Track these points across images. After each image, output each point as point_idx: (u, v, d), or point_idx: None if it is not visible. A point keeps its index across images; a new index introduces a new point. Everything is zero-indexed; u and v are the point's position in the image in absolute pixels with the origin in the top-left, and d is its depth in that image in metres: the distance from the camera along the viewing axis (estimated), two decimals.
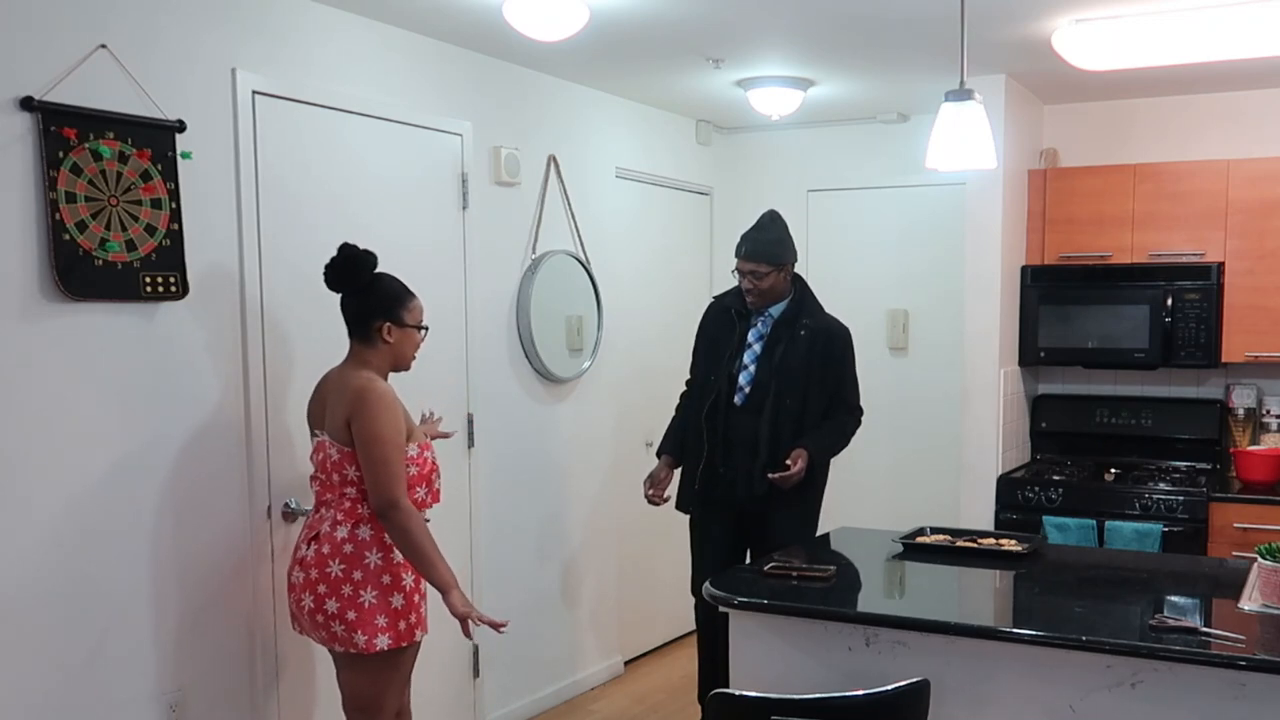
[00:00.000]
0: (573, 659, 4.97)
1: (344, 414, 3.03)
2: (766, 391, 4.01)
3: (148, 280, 3.08)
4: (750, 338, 4.10)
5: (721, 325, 4.18)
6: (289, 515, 3.55)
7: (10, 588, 2.84)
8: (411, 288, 3.21)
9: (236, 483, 3.40)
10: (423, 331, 3.22)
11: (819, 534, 4.02)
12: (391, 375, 3.18)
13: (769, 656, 2.96)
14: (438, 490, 3.23)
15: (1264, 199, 4.63)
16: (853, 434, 4.20)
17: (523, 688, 4.61)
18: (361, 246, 3.15)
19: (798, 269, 4.19)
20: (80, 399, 2.97)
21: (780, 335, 4.06)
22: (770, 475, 3.92)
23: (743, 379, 4.07)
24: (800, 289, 4.14)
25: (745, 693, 2.54)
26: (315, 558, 3.08)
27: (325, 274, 3.13)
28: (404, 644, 3.09)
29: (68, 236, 2.89)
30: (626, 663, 5.40)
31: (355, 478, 3.06)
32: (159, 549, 3.18)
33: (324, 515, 3.12)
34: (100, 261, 2.97)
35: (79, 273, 2.92)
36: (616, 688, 5.14)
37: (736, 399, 4.07)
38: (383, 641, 3.05)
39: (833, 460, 4.24)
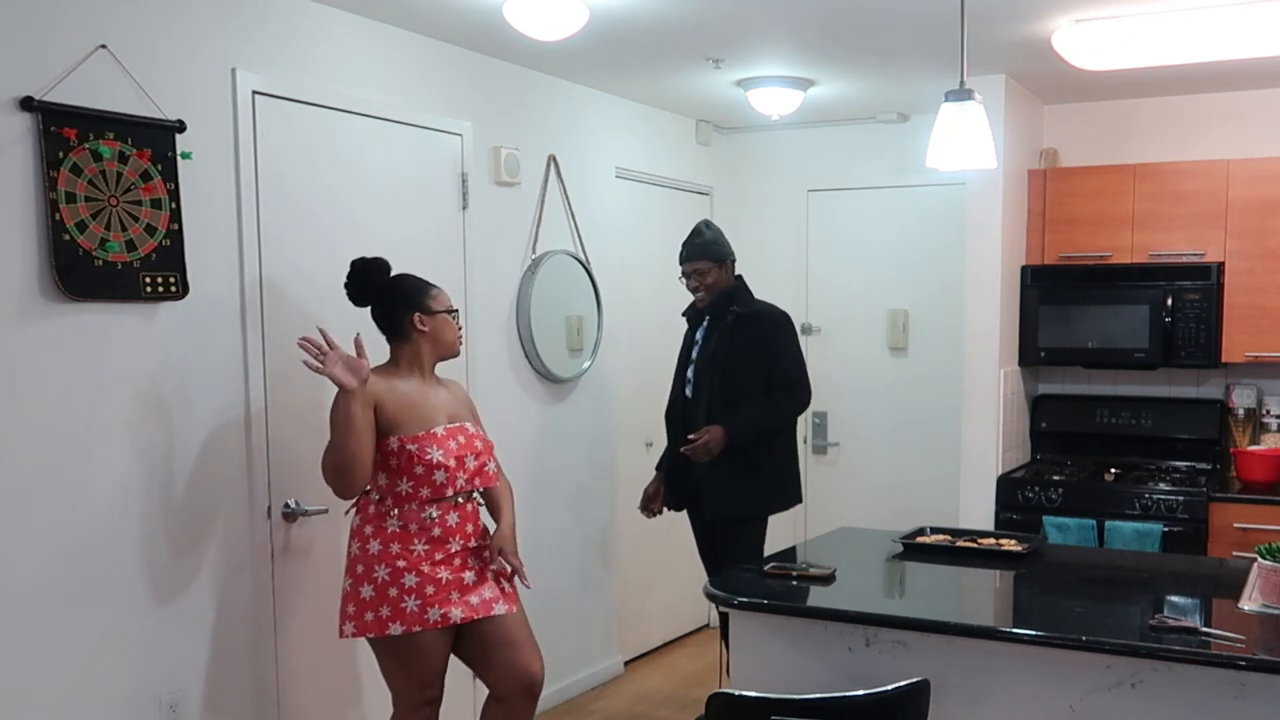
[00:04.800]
0: (573, 659, 4.97)
1: None
2: (704, 379, 4.28)
3: (148, 280, 3.08)
4: (697, 335, 4.39)
5: (687, 332, 4.52)
6: (289, 515, 3.55)
7: (10, 587, 2.84)
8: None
9: (236, 483, 3.40)
10: (455, 315, 3.32)
11: (821, 534, 4.03)
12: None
13: (769, 656, 2.96)
14: (438, 484, 3.14)
15: (1264, 199, 4.62)
16: (792, 408, 4.32)
17: None
18: (370, 256, 3.27)
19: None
20: (80, 399, 2.97)
21: (714, 326, 4.32)
22: (681, 449, 4.20)
23: (690, 373, 4.38)
24: (738, 284, 4.38)
25: (745, 693, 2.54)
26: None
27: (346, 291, 3.25)
28: (372, 635, 3.11)
29: (68, 236, 2.89)
30: (626, 663, 5.40)
31: None
32: (159, 548, 3.18)
33: None
34: (100, 261, 2.97)
35: (79, 273, 2.92)
36: (616, 688, 5.14)
37: (687, 391, 4.37)
38: (347, 629, 3.14)
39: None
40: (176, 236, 3.16)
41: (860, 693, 2.48)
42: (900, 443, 5.78)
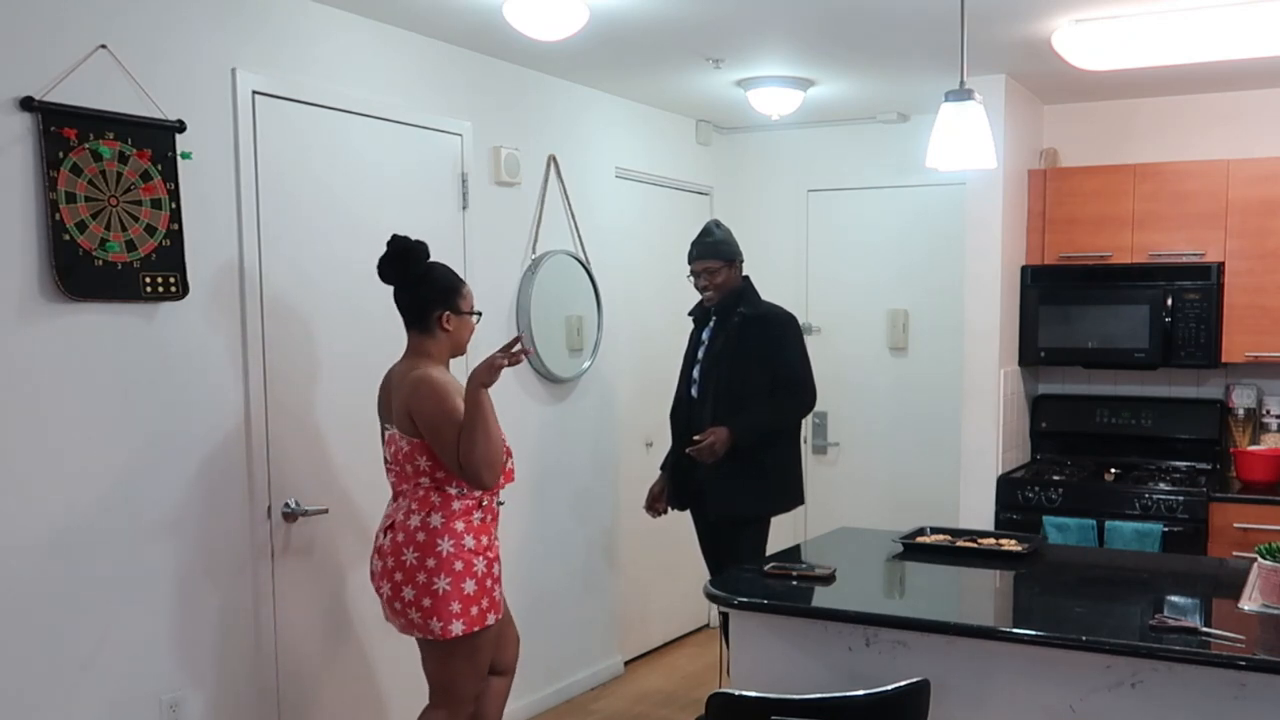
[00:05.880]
0: (573, 659, 4.97)
1: (405, 406, 3.11)
2: (710, 380, 4.28)
3: (148, 280, 3.08)
4: (704, 336, 4.38)
5: (692, 332, 4.50)
6: (289, 515, 3.55)
7: (11, 587, 2.84)
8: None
9: (236, 483, 3.40)
10: (476, 316, 3.30)
11: (821, 534, 4.03)
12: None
13: (769, 656, 2.96)
14: (510, 470, 3.28)
15: (1264, 199, 4.62)
16: (796, 410, 4.33)
17: (523, 687, 4.60)
18: (413, 238, 3.21)
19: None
20: (80, 399, 2.97)
21: (720, 327, 4.31)
22: (687, 450, 4.19)
23: (695, 372, 4.37)
24: (745, 284, 4.38)
25: (745, 693, 2.54)
26: (391, 546, 3.14)
27: (379, 268, 3.19)
28: (477, 629, 3.13)
29: (68, 237, 2.89)
30: (626, 663, 5.40)
31: (427, 467, 3.12)
32: (159, 549, 3.18)
33: (400, 505, 3.19)
34: (100, 262, 2.97)
35: (79, 273, 2.92)
36: (616, 688, 5.14)
37: (693, 391, 4.36)
38: (457, 627, 3.09)
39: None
40: (176, 236, 3.16)
41: (860, 693, 2.48)
42: (900, 443, 5.78)
